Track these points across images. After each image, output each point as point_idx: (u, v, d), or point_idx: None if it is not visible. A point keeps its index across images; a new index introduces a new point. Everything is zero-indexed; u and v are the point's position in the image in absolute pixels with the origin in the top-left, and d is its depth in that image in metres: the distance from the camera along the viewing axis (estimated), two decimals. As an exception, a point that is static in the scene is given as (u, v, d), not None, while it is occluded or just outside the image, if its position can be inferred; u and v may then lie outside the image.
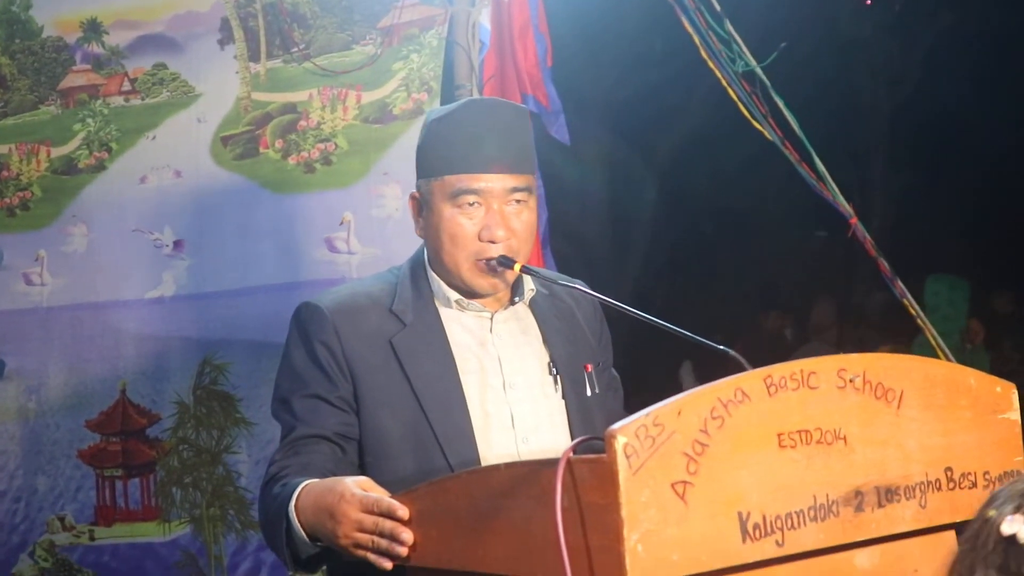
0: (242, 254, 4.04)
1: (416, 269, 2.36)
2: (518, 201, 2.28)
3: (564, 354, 2.37)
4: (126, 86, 4.19)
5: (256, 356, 4.01)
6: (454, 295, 2.32)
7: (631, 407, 1.66)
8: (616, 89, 10.58)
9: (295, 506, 2.03)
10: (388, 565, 1.89)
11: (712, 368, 1.96)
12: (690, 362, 7.76)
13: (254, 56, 4.07)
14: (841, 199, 3.92)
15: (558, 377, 2.34)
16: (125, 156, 4.18)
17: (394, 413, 2.24)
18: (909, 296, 3.97)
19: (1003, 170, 10.76)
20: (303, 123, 4.02)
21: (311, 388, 2.25)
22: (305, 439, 2.22)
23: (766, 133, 3.85)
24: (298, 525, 2.02)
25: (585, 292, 2.38)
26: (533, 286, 2.39)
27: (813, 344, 7.47)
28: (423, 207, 2.33)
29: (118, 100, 4.20)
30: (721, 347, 2.13)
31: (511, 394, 2.29)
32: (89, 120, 4.21)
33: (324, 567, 2.25)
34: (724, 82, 3.85)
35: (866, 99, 12.01)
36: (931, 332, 3.98)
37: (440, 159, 2.28)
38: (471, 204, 2.25)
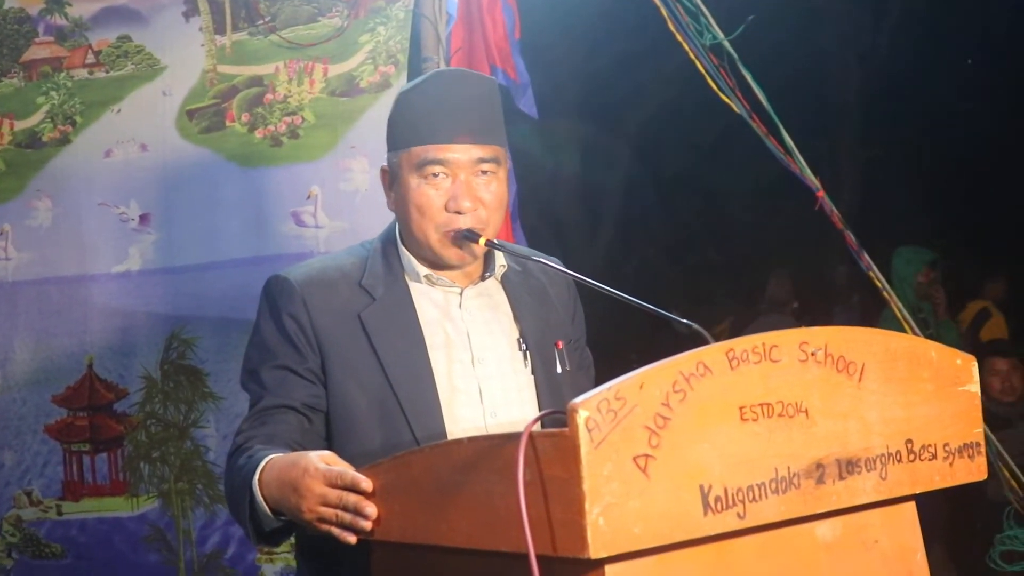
0: (209, 228, 4.02)
1: (387, 244, 2.36)
2: (485, 172, 2.27)
3: (534, 330, 2.37)
4: (90, 59, 4.15)
5: (224, 330, 4.00)
6: (423, 270, 2.32)
7: (604, 380, 1.66)
8: (586, 62, 10.57)
9: (259, 480, 2.02)
10: (352, 539, 1.89)
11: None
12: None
13: (220, 29, 4.04)
14: (808, 172, 3.94)
15: (527, 353, 2.35)
16: (90, 129, 4.15)
17: (361, 386, 2.24)
18: (875, 269, 3.99)
19: (973, 142, 10.82)
20: (269, 96, 4.00)
21: (279, 359, 2.25)
22: (272, 409, 2.22)
23: (733, 106, 3.85)
24: (261, 500, 2.01)
25: (557, 269, 2.38)
26: (504, 262, 2.39)
27: (772, 317, 7.52)
28: (393, 180, 2.33)
29: (82, 73, 4.16)
30: (684, 320, 2.14)
31: (479, 369, 2.30)
32: (53, 93, 4.17)
33: (289, 541, 2.26)
34: (692, 55, 3.84)
35: (835, 71, 12.04)
36: (896, 305, 4.01)
37: (407, 131, 2.28)
38: (437, 175, 2.25)
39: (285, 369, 2.25)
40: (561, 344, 2.40)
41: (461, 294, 2.34)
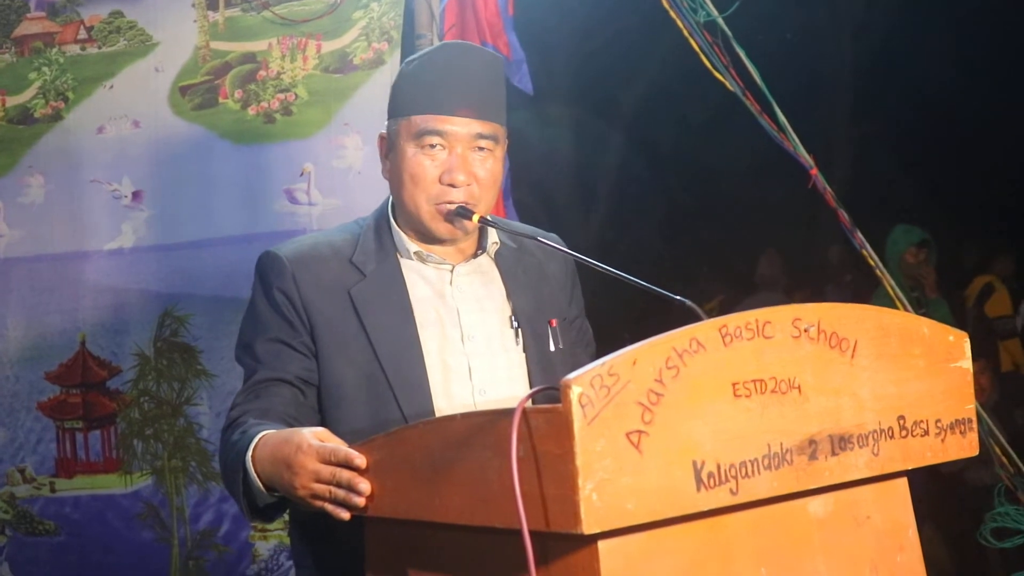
0: (202, 205, 4.01)
1: (380, 221, 2.36)
2: (483, 148, 2.27)
3: (528, 308, 2.37)
4: (82, 34, 4.13)
5: (217, 308, 4.00)
6: (414, 246, 2.31)
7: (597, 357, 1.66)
8: (580, 40, 10.54)
9: (252, 456, 2.02)
10: (346, 516, 1.89)
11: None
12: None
13: (212, 5, 4.02)
14: (801, 149, 3.93)
15: (519, 330, 2.34)
16: (82, 106, 4.13)
17: (350, 362, 2.24)
18: (868, 247, 3.99)
19: (968, 118, 10.80)
20: (262, 73, 3.98)
21: (273, 332, 2.25)
22: (267, 382, 2.22)
23: (727, 83, 3.84)
24: (255, 476, 2.01)
25: (553, 246, 2.38)
26: (497, 239, 2.38)
27: (762, 295, 7.52)
28: (390, 148, 2.32)
29: (74, 49, 4.14)
30: (678, 297, 2.14)
31: (469, 346, 2.29)
32: (45, 69, 4.15)
33: (283, 518, 2.26)
34: (686, 32, 3.83)
35: (829, 49, 12.01)
36: (889, 283, 4.01)
37: (408, 99, 2.28)
38: (434, 146, 2.25)
39: (279, 342, 2.25)
40: (555, 322, 2.39)
41: (452, 271, 2.33)
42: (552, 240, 2.42)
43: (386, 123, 2.34)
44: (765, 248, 8.29)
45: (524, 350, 2.34)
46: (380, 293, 2.27)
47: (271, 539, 3.95)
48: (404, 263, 2.32)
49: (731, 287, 8.60)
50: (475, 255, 2.36)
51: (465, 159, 2.25)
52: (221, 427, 2.23)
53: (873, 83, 11.63)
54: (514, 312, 2.35)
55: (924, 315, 2.05)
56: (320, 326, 2.25)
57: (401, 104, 2.29)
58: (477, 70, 2.28)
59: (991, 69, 10.70)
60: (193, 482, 4.02)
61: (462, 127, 2.25)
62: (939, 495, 5.49)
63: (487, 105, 2.28)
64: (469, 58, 2.29)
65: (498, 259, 2.39)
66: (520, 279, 2.39)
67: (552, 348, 2.37)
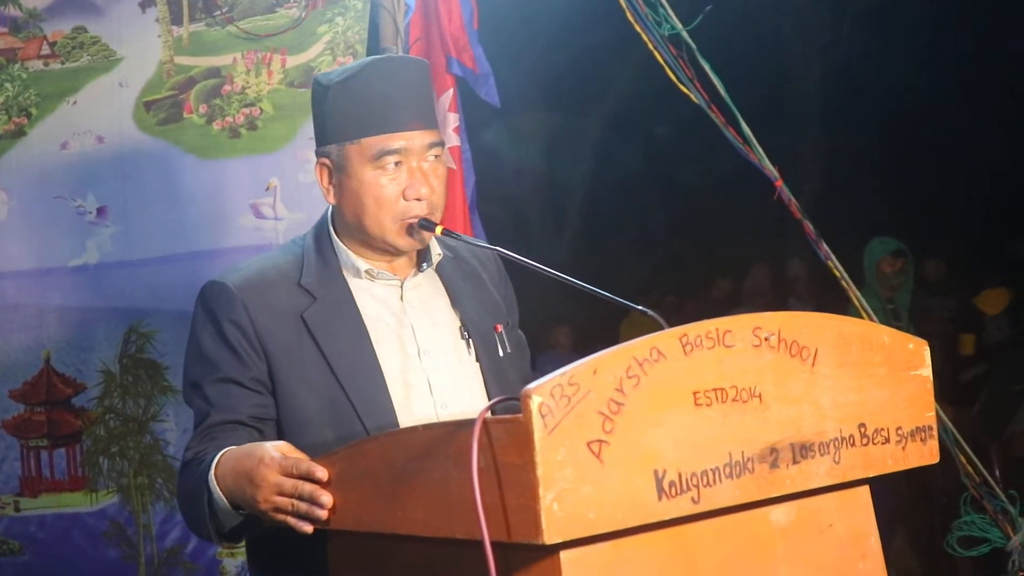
0: (167, 221, 3.99)
1: (321, 239, 2.33)
2: (435, 156, 2.28)
3: (474, 316, 2.37)
4: (45, 50, 4.11)
5: (183, 323, 3.89)
6: (363, 264, 2.29)
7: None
8: (548, 53, 10.56)
9: (214, 473, 2.01)
10: (308, 529, 1.89)
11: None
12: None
13: (176, 19, 4.01)
14: (767, 162, 3.94)
15: (470, 340, 2.34)
16: (45, 121, 4.10)
17: (311, 389, 2.21)
18: (834, 258, 4.00)
19: (934, 133, 10.88)
20: (227, 87, 3.97)
21: (222, 371, 2.20)
22: (220, 425, 2.18)
23: (692, 96, 3.85)
24: (219, 493, 2.00)
25: (500, 252, 2.38)
26: (440, 250, 2.38)
27: (745, 309, 7.54)
28: (335, 173, 2.28)
29: (37, 64, 4.12)
30: (640, 307, 2.15)
31: (426, 361, 2.29)
32: (7, 85, 4.12)
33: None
34: (651, 45, 3.84)
35: (796, 63, 12.08)
36: (854, 293, 4.03)
37: (354, 122, 2.24)
38: (393, 164, 2.24)
39: (229, 381, 2.20)
40: (500, 327, 2.39)
41: (401, 286, 2.32)
42: (484, 245, 2.43)
43: (323, 149, 2.29)
44: (740, 261, 8.31)
45: (477, 359, 2.34)
46: (333, 315, 2.25)
47: (239, 556, 3.92)
48: (352, 282, 2.29)
49: (703, 299, 8.62)
50: (420, 268, 2.35)
51: (422, 171, 2.25)
52: (177, 469, 2.20)
53: (842, 96, 11.70)
54: (463, 322, 2.35)
55: (903, 329, 2.06)
56: (276, 354, 2.21)
57: (346, 128, 2.24)
58: (414, 80, 2.27)
59: (960, 82, 10.79)
60: (160, 499, 3.99)
61: (416, 140, 2.24)
62: (909, 504, 5.51)
63: (430, 113, 2.29)
64: (403, 71, 2.27)
65: (439, 270, 2.38)
66: (462, 287, 2.39)
67: (501, 354, 2.37)
